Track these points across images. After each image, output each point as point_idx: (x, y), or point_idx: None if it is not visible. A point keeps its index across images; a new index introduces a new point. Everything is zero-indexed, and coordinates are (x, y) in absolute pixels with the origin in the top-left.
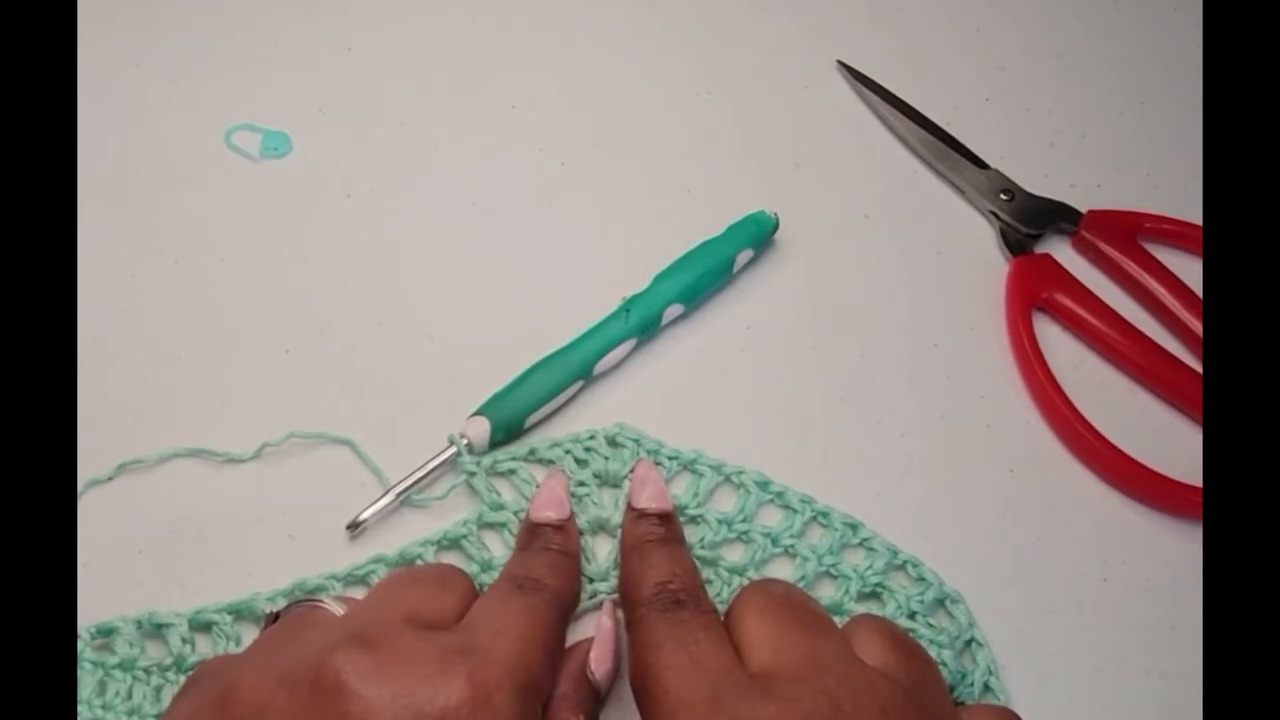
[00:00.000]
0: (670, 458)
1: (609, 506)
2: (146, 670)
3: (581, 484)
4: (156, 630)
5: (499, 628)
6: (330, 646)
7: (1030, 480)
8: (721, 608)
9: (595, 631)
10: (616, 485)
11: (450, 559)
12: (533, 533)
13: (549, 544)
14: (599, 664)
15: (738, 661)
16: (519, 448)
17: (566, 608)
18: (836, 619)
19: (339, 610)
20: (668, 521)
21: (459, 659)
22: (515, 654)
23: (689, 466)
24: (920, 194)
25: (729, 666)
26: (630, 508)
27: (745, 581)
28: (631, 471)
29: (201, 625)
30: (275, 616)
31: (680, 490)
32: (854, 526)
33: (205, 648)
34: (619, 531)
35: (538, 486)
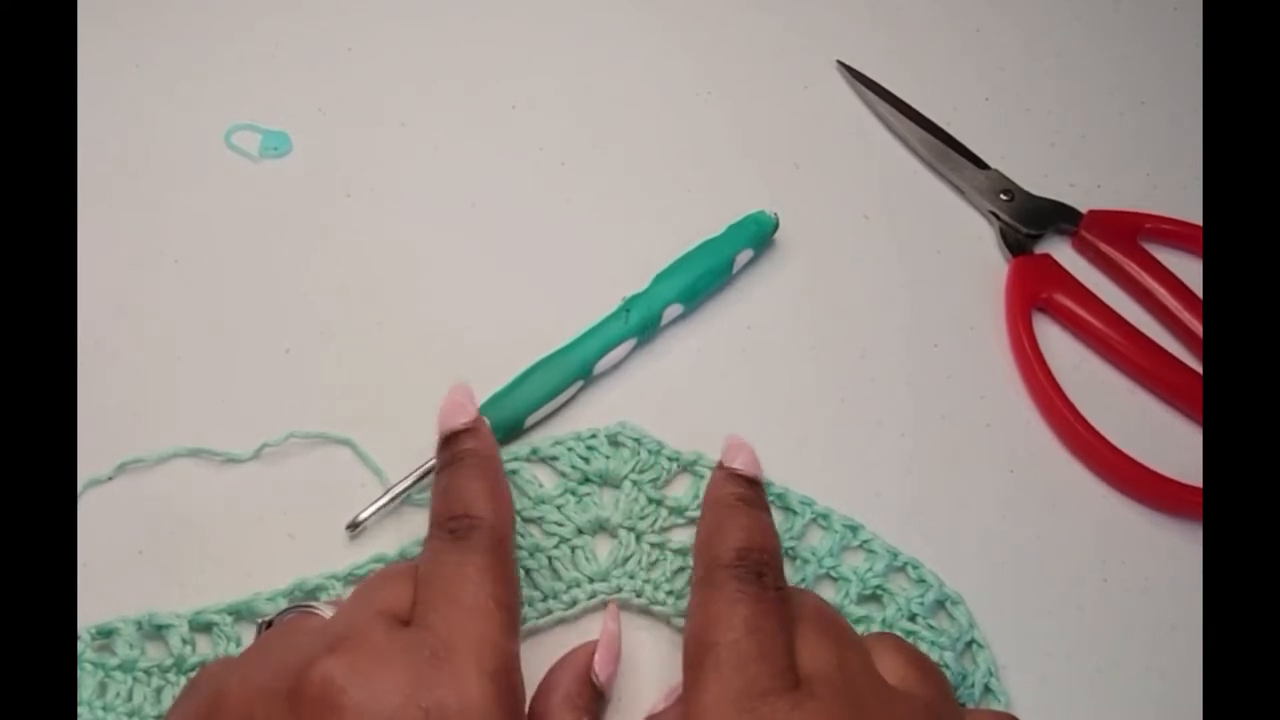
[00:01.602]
0: (670, 459)
1: (609, 507)
2: (147, 671)
3: (584, 481)
4: (157, 631)
5: (449, 608)
6: (310, 657)
7: (1030, 480)
8: None
9: (600, 635)
10: (617, 486)
11: None
12: (446, 445)
13: (464, 451)
14: (603, 668)
15: (791, 658)
16: (520, 447)
17: (505, 537)
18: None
19: (329, 614)
20: (757, 487)
21: (425, 658)
22: (475, 634)
23: (689, 468)
24: (920, 194)
25: (783, 666)
26: (720, 466)
27: None
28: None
29: (202, 626)
30: (269, 623)
31: (681, 492)
32: (854, 528)
33: (206, 648)
34: (620, 532)
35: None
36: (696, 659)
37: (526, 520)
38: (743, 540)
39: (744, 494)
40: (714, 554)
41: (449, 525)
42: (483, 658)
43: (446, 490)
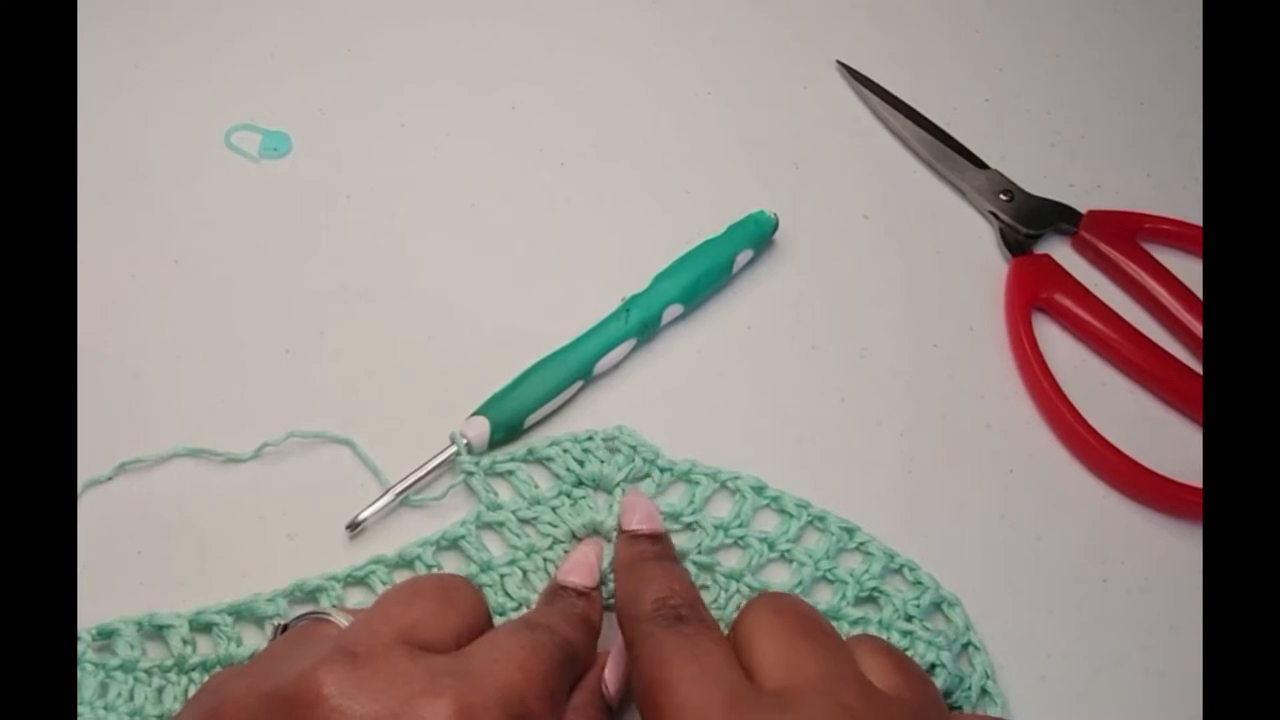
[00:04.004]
0: (664, 469)
1: (604, 510)
2: (148, 671)
3: (578, 484)
4: (157, 631)
5: (498, 657)
6: (318, 661)
7: (1030, 480)
8: (718, 614)
9: (612, 647)
10: (610, 491)
11: (449, 559)
12: (556, 594)
13: (571, 606)
14: (614, 681)
15: (745, 676)
16: (518, 448)
17: (576, 658)
18: (833, 624)
19: (344, 624)
20: (660, 541)
21: (449, 681)
22: (511, 684)
23: (684, 478)
24: (920, 194)
25: (741, 679)
26: (622, 531)
27: (742, 587)
28: (623, 494)
29: (202, 626)
30: (284, 628)
31: (676, 497)
32: (850, 530)
33: (206, 648)
34: (614, 536)
35: (567, 551)
36: (653, 704)
37: (522, 521)
38: (657, 591)
39: (648, 550)
40: (635, 612)
41: (530, 623)
42: (510, 704)
43: (542, 610)
